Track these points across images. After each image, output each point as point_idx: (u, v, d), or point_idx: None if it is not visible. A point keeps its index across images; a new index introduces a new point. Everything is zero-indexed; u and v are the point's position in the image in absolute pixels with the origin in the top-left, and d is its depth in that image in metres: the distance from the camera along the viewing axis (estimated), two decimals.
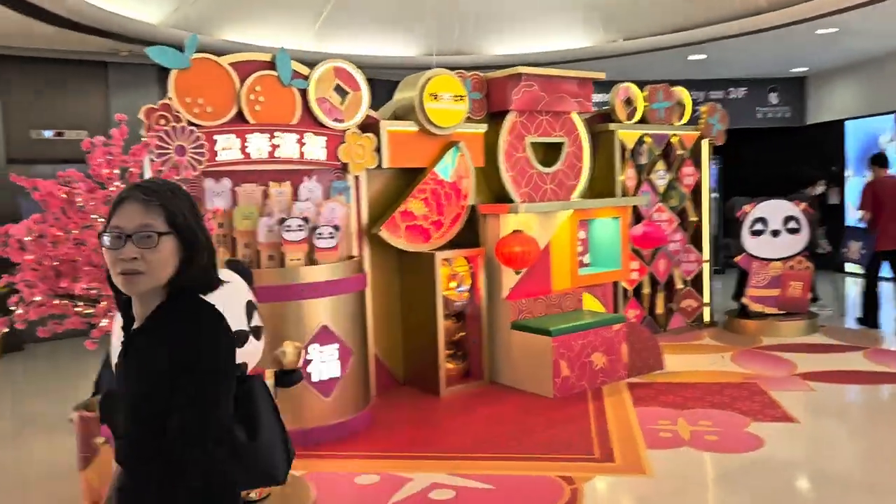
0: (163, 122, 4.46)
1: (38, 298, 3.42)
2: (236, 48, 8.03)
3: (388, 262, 5.65)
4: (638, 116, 7.02)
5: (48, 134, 8.31)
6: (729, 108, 8.36)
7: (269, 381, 3.35)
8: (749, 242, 7.32)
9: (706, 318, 7.69)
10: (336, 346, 4.55)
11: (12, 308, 3.42)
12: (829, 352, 6.38)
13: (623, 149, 6.91)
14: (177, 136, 4.47)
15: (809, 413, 4.78)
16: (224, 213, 4.60)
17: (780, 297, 7.27)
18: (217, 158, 4.68)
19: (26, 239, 3.38)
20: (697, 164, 7.57)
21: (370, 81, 5.39)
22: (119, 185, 3.66)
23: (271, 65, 4.90)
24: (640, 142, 7.05)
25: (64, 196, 3.46)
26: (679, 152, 7.30)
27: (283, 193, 4.85)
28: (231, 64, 4.75)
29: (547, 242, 5.94)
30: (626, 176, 6.91)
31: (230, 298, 2.96)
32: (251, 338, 3.15)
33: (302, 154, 5.00)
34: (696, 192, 7.57)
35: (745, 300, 7.34)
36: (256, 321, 3.20)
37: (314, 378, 4.48)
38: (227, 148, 4.70)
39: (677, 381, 5.56)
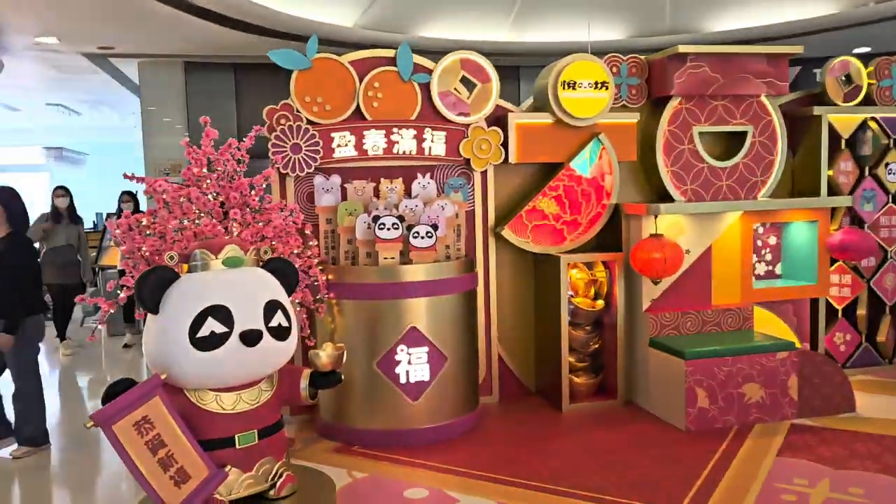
0: (283, 121, 4.69)
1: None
2: (432, 44, 8.26)
3: (522, 264, 5.33)
4: (860, 97, 5.69)
5: None
6: None
7: (304, 381, 3.34)
8: None
9: None
10: (425, 349, 4.41)
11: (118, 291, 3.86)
12: None
13: (836, 137, 5.66)
14: (293, 134, 4.67)
15: None
16: (333, 210, 4.70)
17: None
18: (334, 156, 4.79)
19: (122, 231, 3.78)
20: None
21: None
22: (211, 183, 3.94)
23: (393, 61, 4.88)
24: (863, 128, 5.71)
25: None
26: None
27: (395, 190, 4.82)
28: (352, 62, 4.82)
29: (707, 248, 5.11)
30: (838, 171, 5.65)
31: (243, 295, 3.00)
32: (268, 337, 3.14)
33: (421, 150, 4.92)
34: None
35: None
36: (281, 321, 3.19)
37: (402, 380, 4.39)
38: (343, 145, 4.79)
39: (862, 431, 4.43)
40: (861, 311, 5.72)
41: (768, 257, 5.66)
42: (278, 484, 3.10)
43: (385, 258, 4.42)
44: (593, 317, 5.19)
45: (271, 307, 3.12)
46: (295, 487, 3.19)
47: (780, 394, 4.67)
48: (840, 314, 5.77)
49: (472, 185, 5.13)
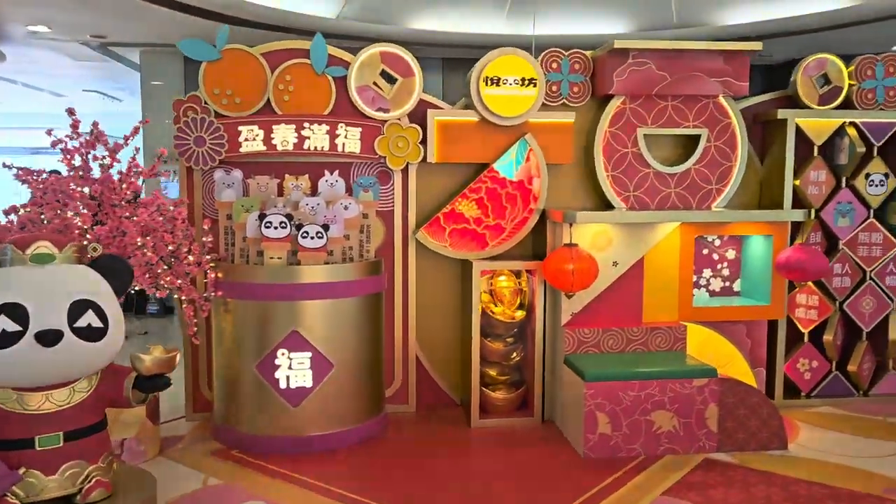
0: (190, 113, 4.61)
1: None
2: (422, 37, 8.05)
3: (448, 269, 5.05)
4: (839, 100, 5.12)
5: None
6: None
7: (129, 382, 3.25)
8: None
9: None
10: (308, 354, 4.24)
11: None
12: None
13: (808, 144, 5.11)
14: (196, 127, 4.59)
15: None
16: (231, 205, 4.58)
17: None
18: (240, 150, 4.68)
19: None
20: None
21: None
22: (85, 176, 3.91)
23: (307, 53, 4.71)
24: (840, 134, 5.13)
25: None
26: None
27: (300, 187, 4.66)
28: (263, 54, 4.68)
29: (638, 261, 4.72)
30: (808, 181, 5.10)
31: (45, 294, 2.92)
32: (72, 337, 3.04)
33: (334, 146, 4.73)
34: None
35: None
36: (92, 321, 3.09)
37: (281, 385, 4.24)
38: (251, 139, 4.66)
39: (779, 473, 3.96)
40: (828, 337, 5.15)
41: (725, 272, 5.19)
42: (84, 489, 3.02)
43: (271, 258, 4.28)
44: (513, 328, 4.88)
45: (80, 307, 3.02)
46: (105, 493, 3.09)
47: (697, 424, 4.25)
48: (806, 338, 5.23)
49: (392, 184, 4.91)
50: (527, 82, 4.72)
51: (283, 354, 4.22)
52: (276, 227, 4.23)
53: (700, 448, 4.26)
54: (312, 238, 4.25)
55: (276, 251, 4.26)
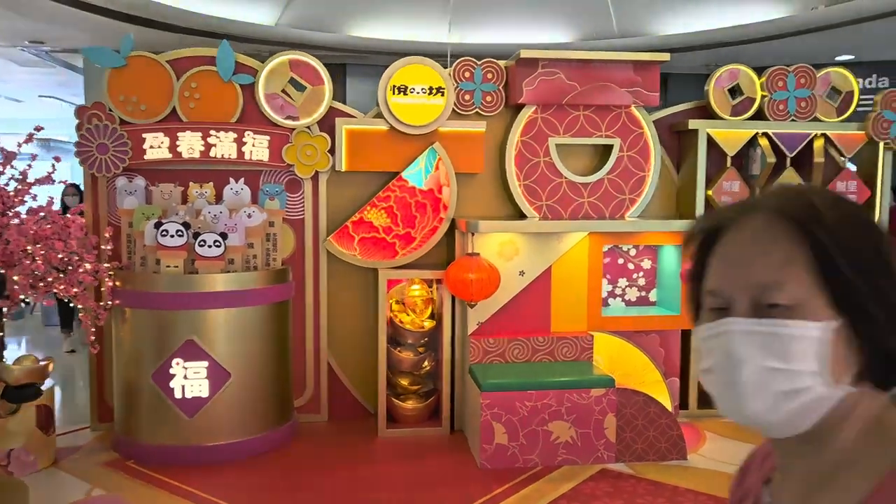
0: (94, 120, 4.58)
1: None
2: (363, 45, 8.04)
3: (363, 278, 5.02)
4: (752, 111, 5.15)
5: None
6: None
7: None
8: None
9: None
10: (205, 363, 4.21)
11: None
12: None
13: (721, 154, 5.13)
14: (99, 134, 4.55)
15: None
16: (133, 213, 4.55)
17: None
18: (145, 157, 4.64)
19: None
20: (870, 177, 5.29)
21: None
22: None
23: (214, 60, 4.69)
24: (752, 145, 5.16)
25: None
26: (818, 160, 5.14)
27: (205, 195, 4.63)
28: (170, 61, 4.66)
29: (545, 270, 4.72)
30: (720, 191, 5.12)
31: None
32: None
33: (241, 154, 4.71)
34: None
35: None
36: None
37: (177, 395, 4.20)
38: (156, 146, 4.63)
39: (669, 483, 3.96)
40: None
41: (641, 282, 5.20)
42: None
43: (168, 266, 4.24)
44: (423, 337, 4.86)
45: None
46: None
47: (595, 435, 4.24)
48: None
49: (302, 192, 4.89)
50: (435, 91, 4.72)
51: (178, 364, 4.18)
52: (172, 236, 4.20)
53: (598, 458, 4.25)
54: (210, 246, 4.22)
55: (172, 259, 4.22)
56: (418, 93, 4.71)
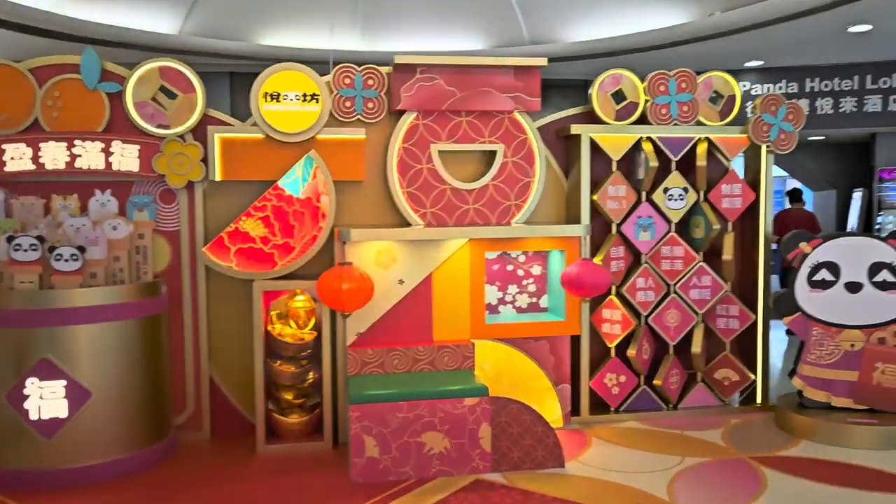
0: None
1: None
2: (274, 53, 7.91)
3: (245, 290, 4.87)
4: (636, 115, 5.17)
5: None
6: None
7: None
8: (806, 296, 4.95)
9: (759, 398, 5.44)
10: (62, 382, 4.03)
11: None
12: None
13: (606, 159, 5.14)
14: None
15: None
16: None
17: (859, 385, 4.80)
18: (6, 169, 4.46)
19: None
20: (755, 180, 5.35)
21: None
22: None
23: (78, 68, 4.53)
24: (637, 149, 5.18)
25: None
26: (701, 164, 5.18)
27: (69, 207, 4.46)
28: (32, 69, 4.49)
29: (425, 278, 4.65)
30: (606, 195, 5.12)
31: None
32: None
33: (109, 164, 4.55)
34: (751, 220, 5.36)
35: (796, 381, 5.00)
36: None
37: (32, 416, 4.02)
38: (17, 158, 4.45)
39: (538, 491, 3.90)
40: (632, 351, 5.15)
41: (532, 288, 5.17)
42: None
43: (21, 282, 4.06)
44: (305, 349, 4.75)
45: None
46: None
47: (470, 445, 4.17)
48: (613, 353, 5.23)
49: (177, 203, 4.75)
50: (309, 98, 4.64)
51: (32, 384, 4.00)
52: (25, 250, 4.03)
53: (474, 469, 4.18)
54: (67, 260, 4.06)
55: (25, 275, 4.05)
56: (291, 99, 4.62)
